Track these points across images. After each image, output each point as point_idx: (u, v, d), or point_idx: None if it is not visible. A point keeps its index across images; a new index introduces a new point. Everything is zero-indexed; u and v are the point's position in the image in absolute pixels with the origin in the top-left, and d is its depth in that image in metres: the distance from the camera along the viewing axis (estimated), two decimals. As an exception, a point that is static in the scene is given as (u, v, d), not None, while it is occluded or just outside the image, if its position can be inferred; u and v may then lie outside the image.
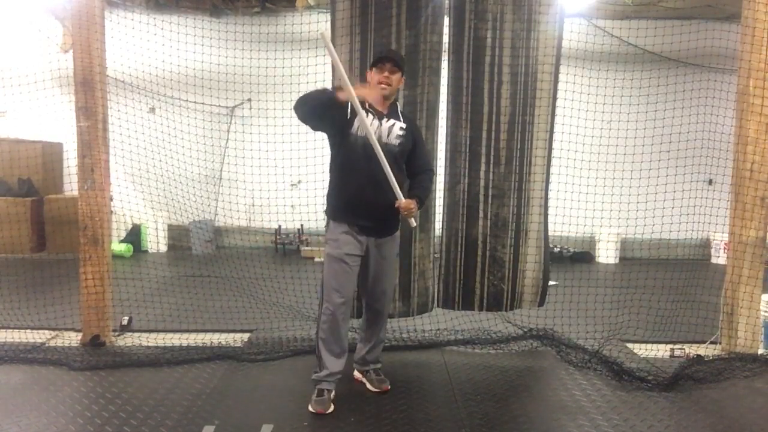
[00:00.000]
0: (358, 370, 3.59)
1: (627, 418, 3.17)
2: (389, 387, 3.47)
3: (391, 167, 3.08)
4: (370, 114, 3.16)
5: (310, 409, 3.17)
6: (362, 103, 3.13)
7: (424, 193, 3.36)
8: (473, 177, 4.11)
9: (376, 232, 3.24)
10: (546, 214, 4.21)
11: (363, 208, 3.17)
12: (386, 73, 3.16)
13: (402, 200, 3.16)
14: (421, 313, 4.25)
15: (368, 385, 3.49)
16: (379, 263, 3.31)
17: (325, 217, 3.36)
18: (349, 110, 3.13)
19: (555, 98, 4.09)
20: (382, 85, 3.17)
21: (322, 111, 3.07)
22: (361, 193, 3.15)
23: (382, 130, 3.18)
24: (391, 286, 3.52)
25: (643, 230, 6.07)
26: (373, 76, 3.21)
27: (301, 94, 3.10)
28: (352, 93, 2.97)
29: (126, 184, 7.38)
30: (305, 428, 3.00)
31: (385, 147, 3.12)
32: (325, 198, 3.33)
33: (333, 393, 3.26)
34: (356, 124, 3.13)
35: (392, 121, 3.22)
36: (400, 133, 3.22)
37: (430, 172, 3.47)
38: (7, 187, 7.89)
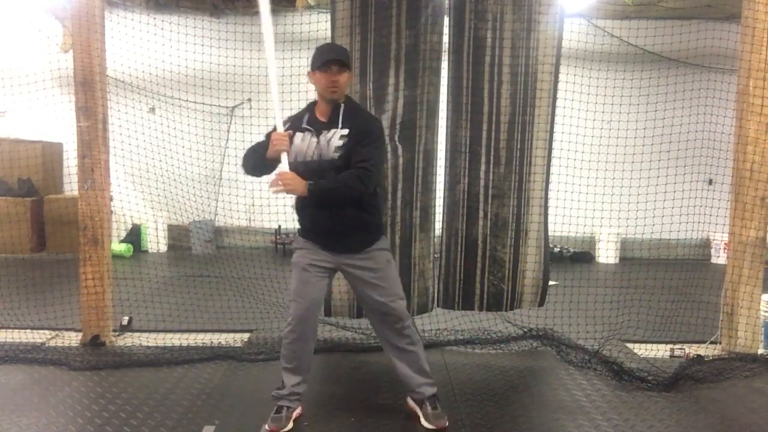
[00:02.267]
0: (411, 398, 3.17)
1: (627, 418, 3.17)
2: (447, 424, 3.01)
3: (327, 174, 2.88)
4: (307, 132, 2.94)
5: (266, 426, 2.94)
6: (301, 119, 2.97)
7: (328, 182, 2.85)
8: (473, 177, 4.11)
9: (342, 248, 2.99)
10: (546, 214, 4.21)
11: (319, 230, 3.00)
12: (334, 77, 2.88)
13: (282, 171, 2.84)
14: (421, 313, 4.25)
15: (422, 420, 3.04)
16: (368, 276, 3.00)
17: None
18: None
19: (555, 98, 4.09)
20: (331, 89, 2.90)
21: (261, 169, 3.03)
22: (314, 218, 2.99)
23: (322, 147, 2.90)
24: (397, 300, 3.04)
25: (643, 230, 6.06)
26: (318, 79, 2.91)
27: (245, 152, 3.07)
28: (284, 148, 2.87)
29: (126, 184, 7.38)
30: (305, 428, 3.01)
31: (328, 163, 2.87)
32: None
33: (295, 411, 3.05)
34: (293, 152, 2.93)
35: (332, 131, 2.91)
36: (339, 143, 2.89)
37: (361, 170, 2.85)
38: (7, 187, 7.89)
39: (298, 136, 2.95)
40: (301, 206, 3.05)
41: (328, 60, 2.89)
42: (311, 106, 3.06)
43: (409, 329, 3.08)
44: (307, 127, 2.96)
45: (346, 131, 2.91)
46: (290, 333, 3.01)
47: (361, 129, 2.93)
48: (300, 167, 2.90)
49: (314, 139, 2.93)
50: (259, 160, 3.00)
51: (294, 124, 2.99)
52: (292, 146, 2.93)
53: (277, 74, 2.95)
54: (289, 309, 3.06)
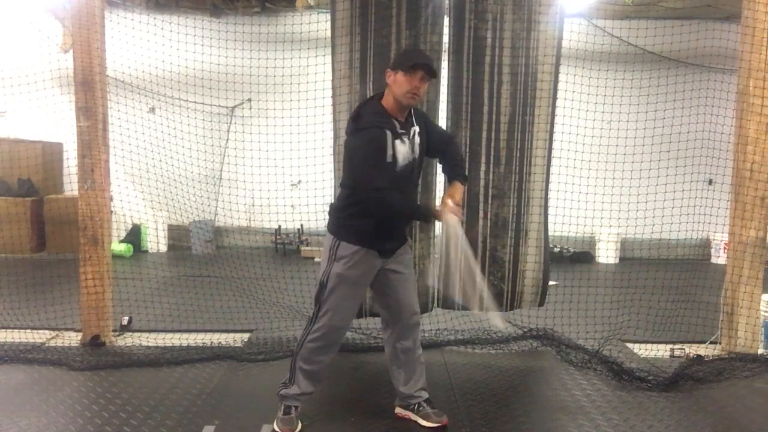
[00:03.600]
0: (403, 407, 3.13)
1: (627, 418, 3.17)
2: (447, 420, 3.04)
3: (417, 177, 3.01)
4: (404, 136, 2.82)
5: (275, 428, 2.93)
6: (389, 122, 2.80)
7: (463, 166, 3.12)
8: (473, 177, 4.10)
9: (393, 250, 2.99)
10: (546, 214, 4.21)
11: (389, 233, 2.94)
12: (417, 84, 2.76)
13: (449, 204, 2.83)
14: (421, 313, 4.23)
15: (421, 422, 3.04)
16: (398, 277, 3.00)
17: (333, 235, 2.96)
18: (389, 151, 2.78)
19: (555, 98, 4.09)
20: (411, 95, 2.78)
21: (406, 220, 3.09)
22: (387, 222, 2.91)
23: (414, 147, 2.87)
24: (417, 302, 3.13)
25: (643, 230, 6.06)
26: (400, 81, 2.76)
27: (392, 204, 2.81)
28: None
29: (126, 184, 7.37)
30: (305, 428, 3.00)
31: (415, 163, 2.87)
32: (338, 220, 2.96)
33: (299, 409, 3.01)
34: (400, 158, 2.80)
35: (412, 129, 2.88)
36: (419, 140, 2.89)
37: (453, 138, 3.16)
38: (7, 187, 7.88)
39: (398, 142, 2.79)
40: (376, 220, 2.86)
41: (417, 63, 2.75)
42: (382, 107, 2.84)
43: (419, 332, 3.18)
44: (402, 131, 2.83)
45: (418, 128, 2.91)
46: (319, 339, 2.93)
47: (425, 118, 3.03)
48: (401, 171, 2.81)
49: (408, 143, 2.84)
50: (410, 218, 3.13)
51: (386, 126, 2.78)
52: (396, 152, 2.79)
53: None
54: (323, 316, 2.92)
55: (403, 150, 2.82)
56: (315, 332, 2.94)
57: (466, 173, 3.06)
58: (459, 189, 2.95)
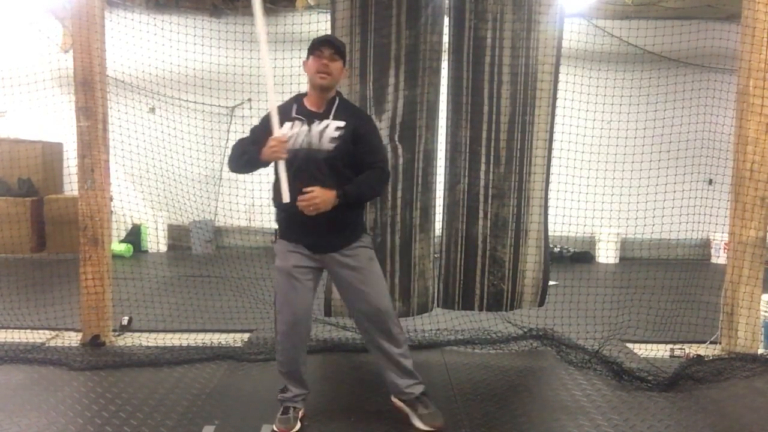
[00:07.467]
0: (398, 399, 3.09)
1: (627, 418, 3.17)
2: (443, 423, 2.98)
3: (324, 174, 2.81)
4: (297, 121, 2.86)
5: (274, 428, 2.93)
6: (289, 109, 2.89)
7: (356, 187, 2.84)
8: (473, 177, 4.11)
9: (326, 247, 2.92)
10: (546, 214, 4.21)
11: (301, 229, 2.90)
12: (325, 61, 2.81)
13: (309, 193, 2.71)
14: (421, 313, 4.24)
15: (416, 421, 3.00)
16: (352, 276, 2.94)
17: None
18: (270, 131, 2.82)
19: (555, 98, 4.09)
20: (321, 75, 2.82)
21: (251, 169, 3.00)
22: (295, 217, 2.83)
23: (312, 136, 2.84)
24: (383, 301, 2.99)
25: (643, 230, 6.06)
26: (309, 65, 2.87)
27: (230, 154, 3.01)
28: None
29: (126, 184, 7.37)
30: (305, 428, 3.00)
31: (318, 153, 2.81)
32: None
33: (300, 411, 3.02)
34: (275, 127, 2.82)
35: (326, 122, 2.86)
36: (336, 134, 2.83)
37: (380, 170, 2.93)
38: (7, 187, 7.88)
39: (287, 125, 2.86)
40: (283, 206, 2.88)
41: (319, 42, 2.84)
42: (299, 98, 3.00)
43: (395, 328, 3.03)
44: (298, 116, 2.89)
45: (342, 123, 2.86)
46: (283, 338, 2.97)
47: (362, 125, 2.94)
48: (296, 152, 2.82)
49: (305, 128, 2.86)
50: (250, 163, 2.92)
51: (282, 114, 2.87)
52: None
53: (272, 73, 2.91)
54: (277, 314, 2.97)
55: (293, 132, 2.84)
56: (278, 335, 3.00)
57: (352, 196, 2.82)
58: (324, 192, 2.74)
